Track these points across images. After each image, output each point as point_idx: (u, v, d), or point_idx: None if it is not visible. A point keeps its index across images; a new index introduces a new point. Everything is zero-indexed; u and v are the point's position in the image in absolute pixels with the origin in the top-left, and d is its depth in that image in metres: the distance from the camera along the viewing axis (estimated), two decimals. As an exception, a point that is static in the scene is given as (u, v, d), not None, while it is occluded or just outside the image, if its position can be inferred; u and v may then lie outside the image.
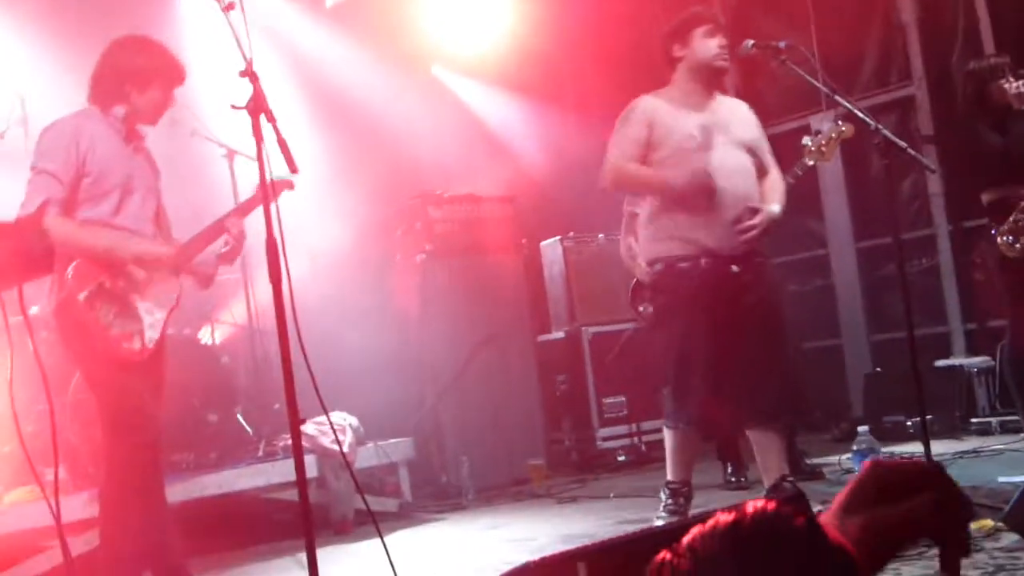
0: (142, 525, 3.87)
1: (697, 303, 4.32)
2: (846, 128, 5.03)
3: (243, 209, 4.25)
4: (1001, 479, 4.62)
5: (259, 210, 3.23)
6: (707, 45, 4.47)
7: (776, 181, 4.64)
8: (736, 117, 4.56)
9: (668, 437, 4.55)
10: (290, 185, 4.30)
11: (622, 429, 7.30)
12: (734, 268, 4.33)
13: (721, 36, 4.51)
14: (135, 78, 3.98)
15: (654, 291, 4.61)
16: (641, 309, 6.07)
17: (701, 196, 4.27)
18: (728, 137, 4.43)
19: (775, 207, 4.46)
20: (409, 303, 7.06)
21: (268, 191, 2.91)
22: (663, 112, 4.45)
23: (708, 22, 4.53)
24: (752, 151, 4.51)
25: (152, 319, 3.96)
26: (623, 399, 7.31)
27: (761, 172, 4.57)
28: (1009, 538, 3.45)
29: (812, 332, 7.72)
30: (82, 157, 3.85)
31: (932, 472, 1.15)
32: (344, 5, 8.37)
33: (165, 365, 4.13)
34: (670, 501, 4.51)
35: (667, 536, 2.42)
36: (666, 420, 4.54)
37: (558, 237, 7.70)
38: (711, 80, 4.53)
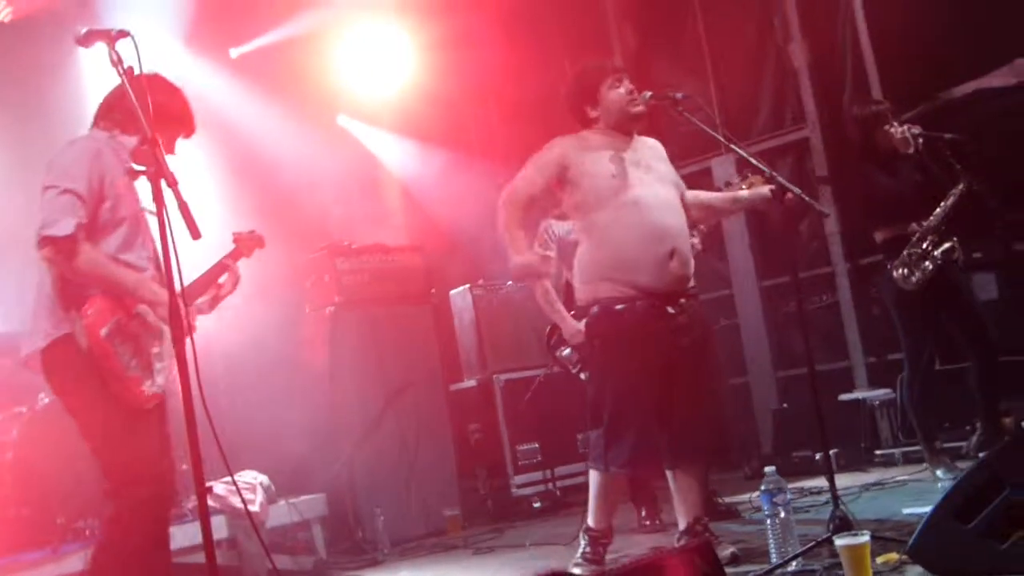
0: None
1: (633, 345, 4.30)
2: (756, 181, 5.15)
3: (232, 257, 4.25)
4: (906, 511, 4.72)
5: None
6: (617, 96, 4.50)
7: (699, 192, 4.79)
8: (654, 154, 4.60)
9: (595, 480, 4.48)
10: (260, 243, 4.42)
11: (537, 476, 7.30)
12: (669, 309, 4.33)
13: (627, 80, 4.55)
14: (158, 115, 3.56)
15: (589, 334, 4.56)
16: (557, 354, 6.08)
17: None
18: (652, 175, 4.46)
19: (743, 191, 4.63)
20: (319, 356, 6.98)
21: (172, 254, 2.86)
22: (581, 155, 4.45)
23: (609, 74, 4.55)
24: (676, 186, 4.56)
25: (161, 365, 3.73)
26: (536, 445, 7.32)
27: (687, 199, 4.62)
28: (913, 571, 3.52)
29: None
30: (102, 181, 3.63)
31: None
32: (249, 56, 8.34)
33: (167, 416, 3.89)
34: (588, 549, 4.47)
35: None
36: (594, 463, 4.46)
37: (467, 285, 7.71)
38: (630, 127, 4.56)
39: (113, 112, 3.79)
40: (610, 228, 4.35)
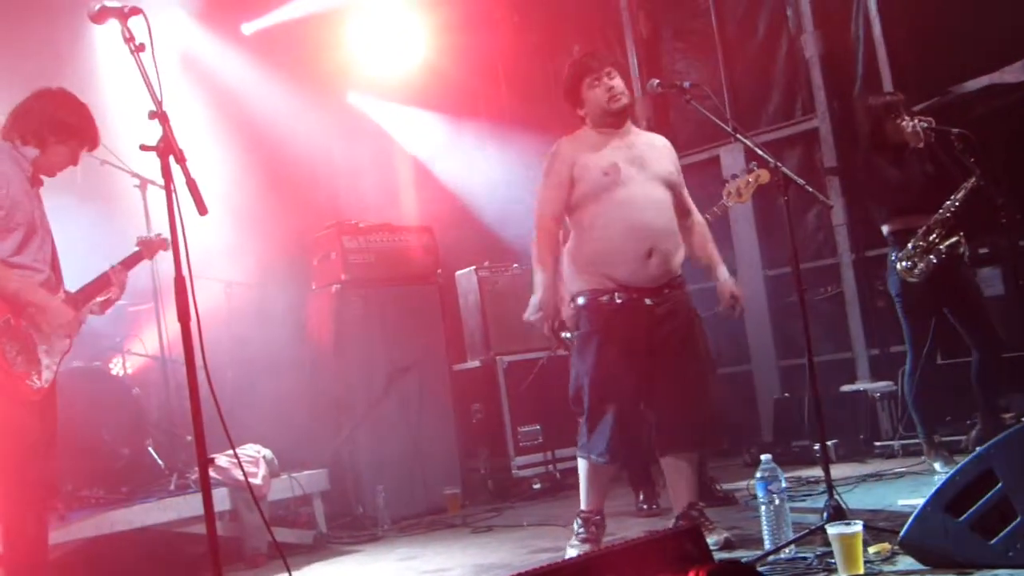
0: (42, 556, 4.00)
1: (612, 336, 4.41)
2: (762, 174, 5.20)
3: (128, 263, 4.50)
4: (900, 503, 4.76)
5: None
6: (596, 96, 4.54)
7: (703, 227, 4.82)
8: (654, 152, 4.63)
9: (581, 466, 4.61)
10: (164, 246, 4.51)
11: (537, 457, 7.36)
12: (648, 301, 4.42)
13: (607, 78, 4.53)
14: (59, 130, 4.12)
15: (573, 324, 4.64)
16: (563, 336, 6.10)
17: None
18: (646, 172, 4.51)
19: (723, 270, 4.75)
20: (325, 333, 7.04)
21: (177, 228, 2.91)
22: (580, 152, 4.54)
23: (588, 73, 4.56)
24: (671, 186, 4.60)
25: (49, 360, 4.07)
26: (538, 427, 7.37)
27: (681, 210, 4.65)
28: (905, 561, 3.56)
29: (723, 358, 7.87)
30: None
31: None
32: (262, 33, 8.37)
33: (56, 409, 4.22)
34: (582, 530, 4.55)
35: (575, 570, 2.48)
36: (579, 450, 4.60)
37: (473, 267, 7.75)
38: (616, 122, 4.60)
39: (17, 124, 4.12)
40: (595, 223, 4.47)
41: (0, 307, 3.93)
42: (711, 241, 4.84)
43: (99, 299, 4.40)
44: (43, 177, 4.24)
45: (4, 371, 3.89)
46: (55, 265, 4.25)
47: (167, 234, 4.32)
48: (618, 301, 4.40)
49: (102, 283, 4.38)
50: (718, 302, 4.74)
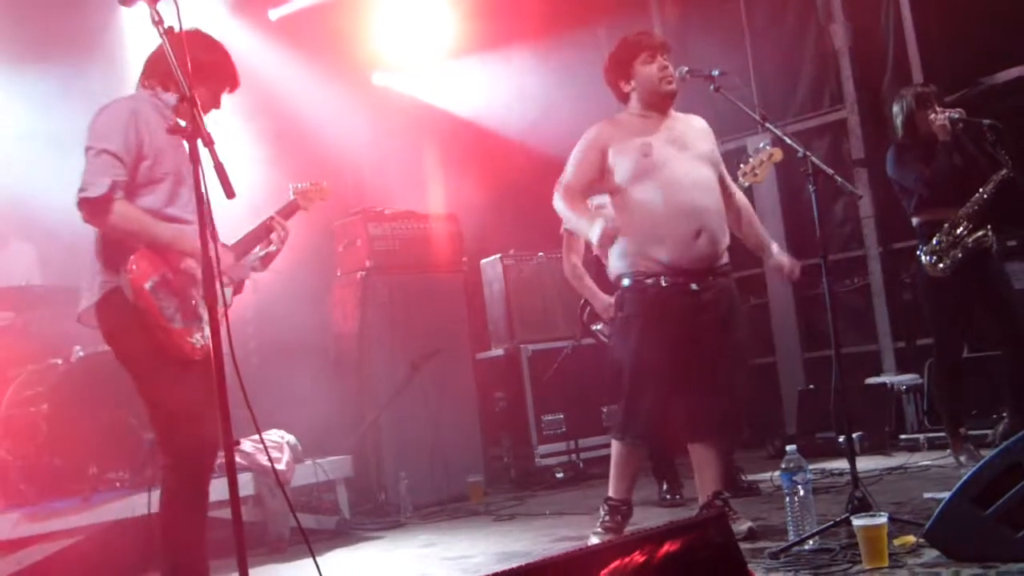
0: (200, 527, 3.92)
1: (654, 319, 4.38)
2: (775, 152, 5.17)
3: (284, 214, 4.22)
4: (926, 495, 4.73)
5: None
6: (649, 73, 4.52)
7: (747, 205, 4.77)
8: (693, 132, 4.60)
9: (615, 450, 4.56)
10: (324, 195, 4.34)
11: (560, 446, 7.36)
12: (693, 287, 4.39)
13: (662, 57, 4.54)
14: (196, 71, 3.62)
15: (616, 306, 4.64)
16: (592, 327, 6.09)
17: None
18: (688, 152, 4.47)
19: (774, 245, 4.71)
20: (349, 320, 7.06)
21: (206, 213, 2.91)
22: (618, 137, 4.49)
23: (644, 49, 4.56)
24: (714, 165, 4.56)
25: (208, 316, 3.65)
26: (561, 416, 7.37)
27: (724, 191, 4.59)
28: (930, 554, 3.54)
29: (748, 350, 7.83)
30: (140, 140, 3.66)
31: None
32: (288, 18, 8.38)
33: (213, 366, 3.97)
34: (607, 518, 4.53)
35: (597, 557, 2.48)
36: (615, 433, 4.56)
37: (498, 255, 7.74)
38: (663, 104, 4.57)
39: (155, 70, 3.85)
40: (640, 205, 4.40)
41: (156, 261, 3.64)
42: (757, 219, 4.80)
43: (260, 253, 4.10)
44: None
45: (164, 329, 3.61)
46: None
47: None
48: (663, 284, 4.36)
49: (261, 232, 4.09)
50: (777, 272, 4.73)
